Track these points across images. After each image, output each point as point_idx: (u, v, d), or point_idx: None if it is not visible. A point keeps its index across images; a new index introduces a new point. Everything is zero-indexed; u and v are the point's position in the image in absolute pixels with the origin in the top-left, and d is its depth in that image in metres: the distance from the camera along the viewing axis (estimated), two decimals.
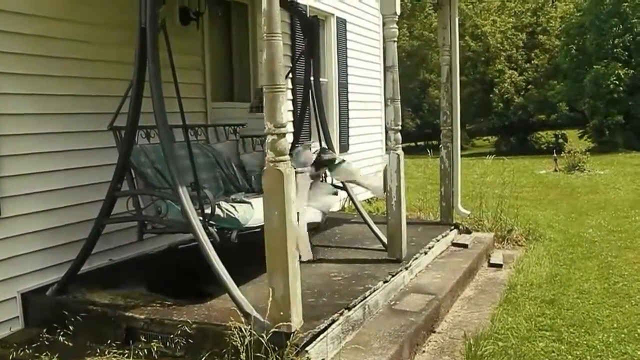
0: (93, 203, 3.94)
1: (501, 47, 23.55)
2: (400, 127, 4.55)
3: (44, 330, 3.46)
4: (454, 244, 5.84)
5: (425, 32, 28.25)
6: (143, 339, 3.25)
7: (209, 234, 3.47)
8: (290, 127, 5.91)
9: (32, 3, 3.83)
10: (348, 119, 8.52)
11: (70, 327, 3.41)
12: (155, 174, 3.81)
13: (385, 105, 4.55)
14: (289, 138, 5.14)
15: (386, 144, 4.58)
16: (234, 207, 3.62)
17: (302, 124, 5.75)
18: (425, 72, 28.58)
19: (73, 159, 4.07)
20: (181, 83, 5.00)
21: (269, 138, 2.93)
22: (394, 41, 4.49)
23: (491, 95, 22.97)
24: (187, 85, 5.17)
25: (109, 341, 3.30)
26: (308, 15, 5.86)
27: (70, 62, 4.10)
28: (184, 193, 3.34)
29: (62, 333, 3.38)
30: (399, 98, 4.54)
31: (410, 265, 4.64)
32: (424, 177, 10.62)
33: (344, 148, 8.34)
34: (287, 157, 2.96)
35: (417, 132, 28.67)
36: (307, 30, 5.37)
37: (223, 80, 6.01)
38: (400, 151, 4.53)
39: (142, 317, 3.38)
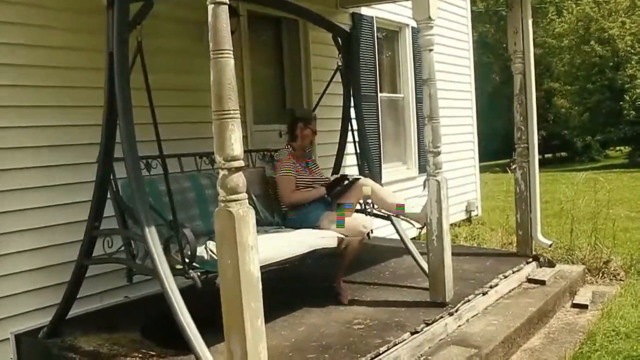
0: None
1: (632, 51, 21.34)
2: (440, 150, 3.92)
3: None
4: (529, 280, 5.02)
5: (548, 39, 26.42)
6: None
7: (190, 278, 3.10)
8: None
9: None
10: None
11: None
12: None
13: (424, 124, 3.94)
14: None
15: (426, 169, 3.95)
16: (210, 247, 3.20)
17: (343, 153, 5.19)
18: (550, 81, 26.68)
19: (70, 193, 3.88)
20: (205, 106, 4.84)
21: (220, 173, 2.49)
22: (430, 50, 3.88)
23: (622, 103, 20.82)
24: None
25: None
26: (352, 27, 5.37)
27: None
28: (150, 234, 2.97)
29: None
30: (438, 115, 3.91)
31: (457, 310, 3.96)
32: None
33: (425, 168, 7.66)
34: (242, 195, 2.50)
35: (543, 143, 26.73)
36: (343, 43, 4.86)
37: (270, 101, 5.66)
38: (441, 177, 3.90)
39: None
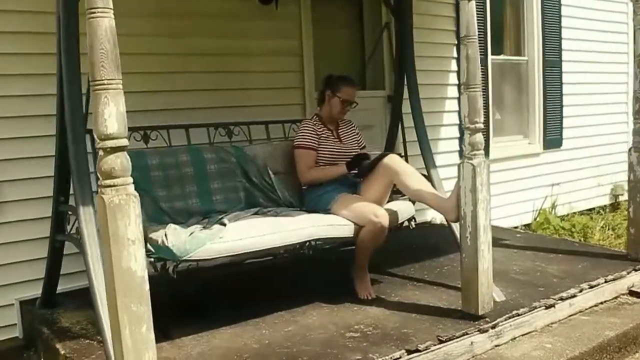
0: None
1: None
2: (480, 126, 3.12)
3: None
4: (631, 292, 3.96)
5: None
6: None
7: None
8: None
9: None
10: (561, 106, 6.68)
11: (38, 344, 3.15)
12: None
13: (459, 92, 3.15)
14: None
15: (460, 149, 3.19)
16: (176, 233, 2.83)
17: (395, 129, 4.45)
18: None
19: None
20: (267, 72, 4.45)
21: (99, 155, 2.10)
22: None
23: None
24: (277, 74, 4.48)
25: None
26: None
27: None
28: (83, 208, 2.66)
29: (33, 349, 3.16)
30: (479, 84, 3.11)
31: (495, 326, 3.19)
32: None
33: (553, 144, 6.58)
34: (120, 180, 2.08)
35: None
36: None
37: (338, 65, 5.08)
38: (478, 160, 3.11)
39: (63, 351, 2.88)
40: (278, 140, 4.00)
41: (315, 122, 3.77)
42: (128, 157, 2.13)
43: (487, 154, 5.91)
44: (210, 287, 3.74)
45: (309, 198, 3.68)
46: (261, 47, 4.46)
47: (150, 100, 3.96)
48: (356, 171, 3.62)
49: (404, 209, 3.64)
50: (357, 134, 3.98)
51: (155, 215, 3.25)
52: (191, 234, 2.86)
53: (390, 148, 4.31)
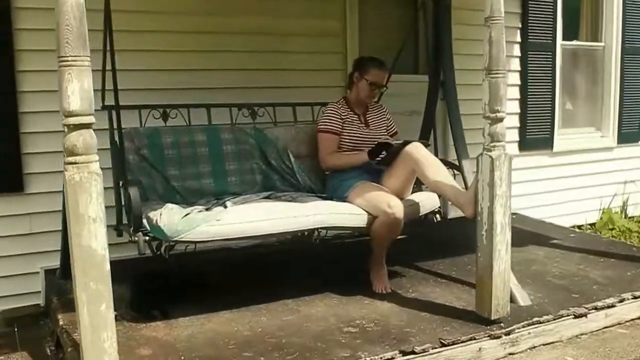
0: None
1: None
2: (502, 115, 2.86)
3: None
4: None
5: None
6: None
7: (135, 243, 2.78)
8: None
9: None
10: None
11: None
12: (139, 161, 3.23)
13: (484, 79, 2.90)
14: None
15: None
16: (171, 214, 2.80)
17: (432, 118, 4.18)
18: None
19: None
20: (305, 53, 4.34)
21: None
22: None
23: None
24: (316, 55, 4.37)
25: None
26: None
27: None
28: None
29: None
30: (504, 69, 2.85)
31: (510, 333, 2.95)
32: None
33: (629, 138, 6.06)
34: (82, 157, 2.05)
35: None
36: None
37: (384, 49, 4.87)
38: (498, 152, 2.86)
39: (62, 322, 2.94)
40: (305, 123, 3.86)
41: (341, 106, 3.63)
42: (93, 134, 2.10)
43: (550, 146, 5.54)
44: (223, 269, 3.72)
45: (330, 184, 3.56)
46: (302, 26, 4.34)
47: (185, 79, 3.96)
48: (379, 159, 3.45)
49: (427, 201, 3.44)
50: (388, 119, 3.80)
51: (166, 194, 3.25)
52: (187, 215, 2.82)
53: (425, 136, 4.08)
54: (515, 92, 5.33)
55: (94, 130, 3.26)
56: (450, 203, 3.42)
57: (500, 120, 2.88)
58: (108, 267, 2.14)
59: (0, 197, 3.57)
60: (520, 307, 3.18)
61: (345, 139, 3.56)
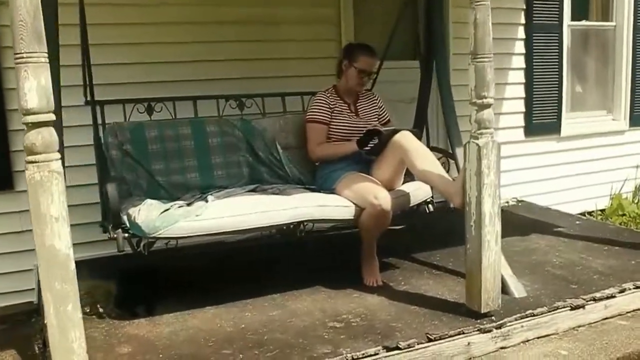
0: None
1: None
2: (489, 101, 2.75)
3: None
4: None
5: None
6: None
7: (114, 239, 2.75)
8: None
9: None
10: None
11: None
12: (122, 156, 3.18)
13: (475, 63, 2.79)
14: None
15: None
16: (150, 209, 2.75)
17: (425, 105, 4.04)
18: None
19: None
20: (301, 41, 4.25)
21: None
22: None
23: None
24: (310, 43, 4.29)
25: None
26: None
27: None
28: None
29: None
30: (490, 53, 2.73)
31: (501, 326, 2.85)
32: None
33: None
34: (42, 156, 2.00)
35: None
36: None
37: (381, 36, 4.76)
38: (485, 140, 2.76)
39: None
40: (294, 113, 3.78)
41: (329, 95, 3.54)
42: (53, 132, 2.04)
43: (558, 130, 5.39)
44: (212, 264, 3.68)
45: (319, 175, 3.48)
46: (294, 14, 4.26)
47: (179, 71, 3.92)
48: (367, 148, 3.36)
49: (418, 191, 3.35)
50: (380, 107, 3.70)
51: (151, 189, 3.20)
52: (166, 210, 2.77)
53: (419, 124, 3.97)
54: (519, 76, 5.19)
55: (78, 126, 3.28)
56: None
57: (488, 106, 2.76)
58: (73, 266, 2.10)
59: None
60: (515, 299, 3.09)
61: (334, 128, 3.47)
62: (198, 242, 3.15)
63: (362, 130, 3.44)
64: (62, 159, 2.83)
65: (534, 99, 5.21)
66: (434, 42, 3.68)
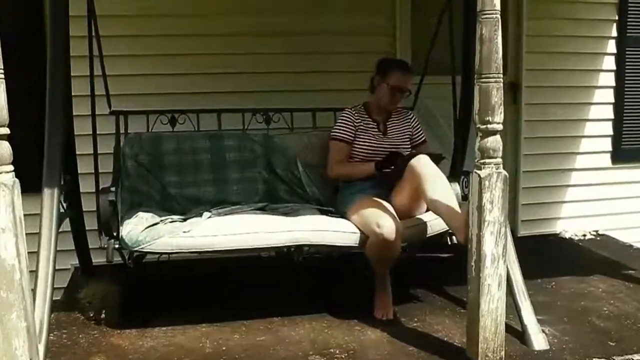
0: None
1: None
2: (495, 127, 2.43)
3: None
4: None
5: None
6: None
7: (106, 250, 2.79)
8: None
9: None
10: None
11: None
12: (136, 167, 3.23)
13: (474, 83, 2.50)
14: None
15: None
16: (138, 223, 2.75)
17: (467, 123, 3.63)
18: None
19: None
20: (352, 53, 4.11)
21: None
22: None
23: None
24: (348, 56, 4.14)
25: None
26: None
27: None
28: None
29: None
30: (497, 72, 2.42)
31: None
32: None
33: None
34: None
35: None
36: None
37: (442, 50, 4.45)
38: (488, 171, 2.44)
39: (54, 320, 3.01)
40: (321, 130, 3.62)
41: (356, 112, 3.36)
42: (5, 145, 2.09)
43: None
44: (221, 280, 3.64)
45: (339, 196, 3.32)
46: (345, 24, 4.11)
47: (220, 83, 3.94)
48: (388, 171, 3.15)
49: (436, 220, 3.06)
50: (414, 126, 3.46)
51: (162, 201, 3.23)
52: (154, 224, 2.76)
53: (461, 149, 3.64)
54: (608, 95, 4.63)
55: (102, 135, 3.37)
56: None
57: (493, 133, 2.45)
58: (19, 276, 2.13)
59: None
60: (531, 351, 2.72)
61: (357, 147, 3.29)
62: (210, 256, 3.11)
63: (388, 151, 3.23)
64: (96, 164, 2.98)
65: (625, 122, 4.62)
66: (469, 56, 3.36)
